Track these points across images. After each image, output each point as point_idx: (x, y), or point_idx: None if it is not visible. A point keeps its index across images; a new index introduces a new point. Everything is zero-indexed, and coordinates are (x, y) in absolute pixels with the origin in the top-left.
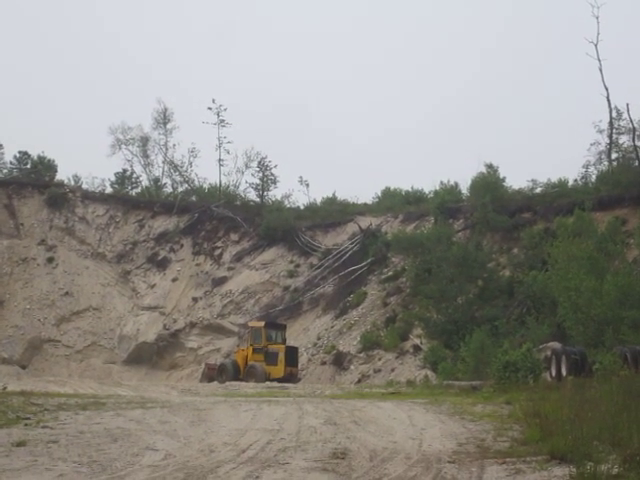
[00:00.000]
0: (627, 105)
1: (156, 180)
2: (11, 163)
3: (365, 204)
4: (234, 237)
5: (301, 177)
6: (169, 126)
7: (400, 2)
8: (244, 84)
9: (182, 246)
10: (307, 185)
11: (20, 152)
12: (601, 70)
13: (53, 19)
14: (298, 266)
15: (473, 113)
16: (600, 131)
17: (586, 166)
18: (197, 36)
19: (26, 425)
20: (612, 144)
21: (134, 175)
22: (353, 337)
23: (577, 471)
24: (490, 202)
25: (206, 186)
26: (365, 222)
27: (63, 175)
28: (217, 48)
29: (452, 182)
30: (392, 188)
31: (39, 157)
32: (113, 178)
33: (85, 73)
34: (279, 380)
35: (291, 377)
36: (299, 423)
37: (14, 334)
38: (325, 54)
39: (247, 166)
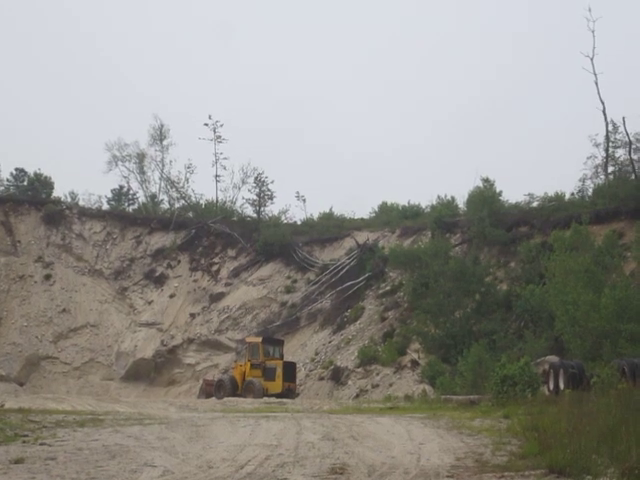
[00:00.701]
0: (623, 119)
1: (153, 196)
2: (8, 180)
3: (362, 219)
4: (231, 253)
5: (298, 192)
6: (165, 142)
7: (402, 20)
8: (241, 100)
9: (179, 262)
10: (304, 200)
11: (17, 169)
12: (597, 84)
13: (47, 36)
14: (295, 281)
15: (470, 128)
16: (596, 145)
17: (583, 180)
18: (193, 52)
19: (24, 442)
20: (608, 157)
21: (131, 192)
22: (351, 352)
23: None
24: (487, 216)
25: (203, 202)
26: (362, 237)
27: (60, 192)
28: (213, 64)
29: (449, 196)
30: (389, 203)
31: (36, 174)
32: (110, 195)
33: (81, 90)
34: (277, 396)
35: (289, 392)
36: (297, 438)
37: (12, 351)
38: (322, 71)
39: (244, 182)
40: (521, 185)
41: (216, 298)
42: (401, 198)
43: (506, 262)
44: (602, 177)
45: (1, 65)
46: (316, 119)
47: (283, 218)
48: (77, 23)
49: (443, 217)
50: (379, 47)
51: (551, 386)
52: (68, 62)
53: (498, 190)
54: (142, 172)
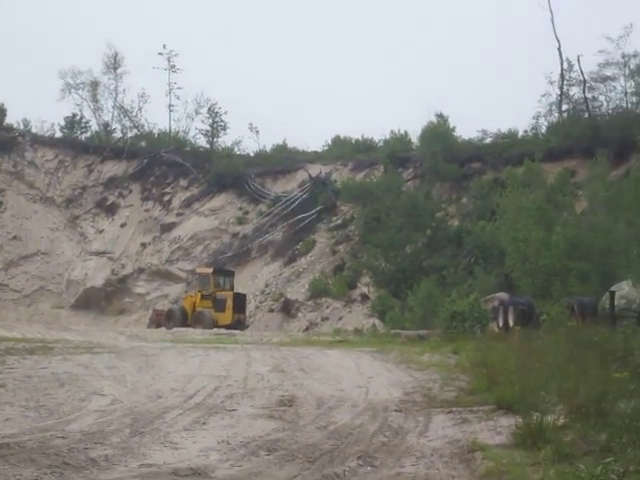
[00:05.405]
0: (578, 57)
1: (106, 125)
2: None
3: (315, 152)
4: (183, 183)
5: (251, 124)
6: (119, 71)
7: None
8: (197, 28)
9: (131, 191)
10: (257, 132)
11: None
12: (552, 21)
13: None
14: (247, 213)
15: (424, 62)
16: (551, 82)
17: (536, 117)
18: None
19: None
20: (563, 95)
21: (84, 120)
22: (301, 285)
23: (523, 421)
24: (440, 152)
25: (156, 131)
26: (315, 170)
27: (12, 119)
28: None
29: (402, 131)
30: (342, 136)
31: None
32: (63, 122)
33: (34, 15)
34: (227, 327)
35: (239, 324)
36: (246, 370)
37: None
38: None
39: (197, 112)
40: (475, 121)
41: (167, 228)
42: (355, 132)
43: (458, 198)
44: (556, 115)
45: None
46: (271, 50)
47: (236, 149)
48: None
49: (396, 152)
50: None
51: (500, 323)
52: None
53: (452, 126)
54: (95, 100)
